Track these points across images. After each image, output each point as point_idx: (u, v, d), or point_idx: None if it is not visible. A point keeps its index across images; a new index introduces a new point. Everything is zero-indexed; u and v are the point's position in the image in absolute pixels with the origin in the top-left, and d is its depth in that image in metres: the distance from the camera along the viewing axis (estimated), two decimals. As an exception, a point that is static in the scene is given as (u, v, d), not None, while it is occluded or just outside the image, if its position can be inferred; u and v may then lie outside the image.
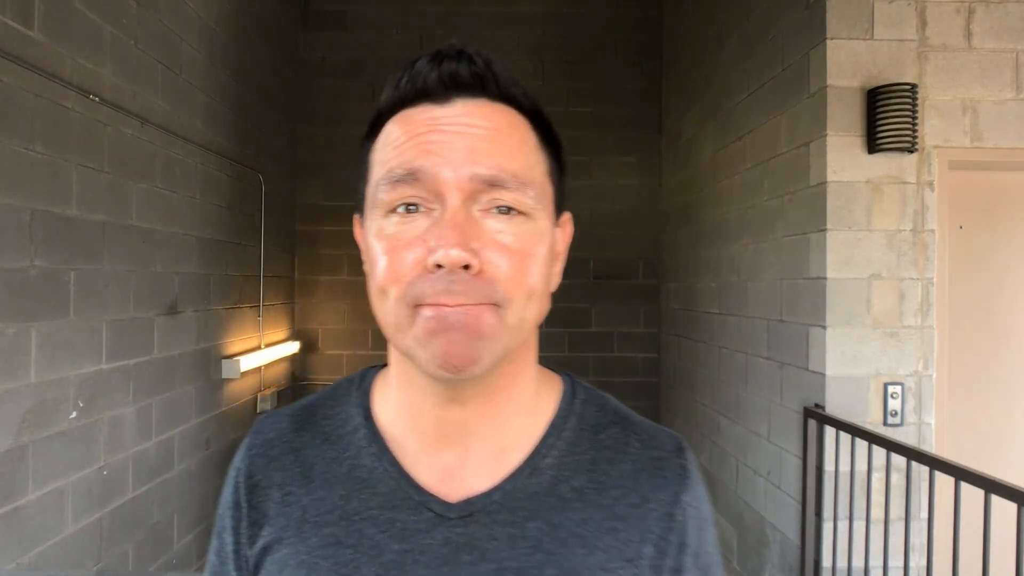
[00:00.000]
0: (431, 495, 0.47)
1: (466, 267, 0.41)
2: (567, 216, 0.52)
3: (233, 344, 3.24)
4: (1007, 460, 2.31)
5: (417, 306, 0.42)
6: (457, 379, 0.44)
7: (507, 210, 0.44)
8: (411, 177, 0.43)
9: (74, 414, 2.03)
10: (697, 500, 0.50)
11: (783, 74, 2.55)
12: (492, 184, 0.43)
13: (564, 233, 0.52)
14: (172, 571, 2.62)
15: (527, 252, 0.44)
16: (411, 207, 0.43)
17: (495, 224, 0.43)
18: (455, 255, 0.40)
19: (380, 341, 4.28)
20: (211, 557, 0.54)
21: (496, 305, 0.42)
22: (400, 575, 0.45)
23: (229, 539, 0.52)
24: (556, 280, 0.50)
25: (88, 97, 2.06)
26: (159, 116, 2.52)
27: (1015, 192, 2.39)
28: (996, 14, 2.27)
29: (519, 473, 0.48)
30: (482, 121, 0.45)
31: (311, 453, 0.51)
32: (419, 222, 0.43)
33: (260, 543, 0.49)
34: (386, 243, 0.44)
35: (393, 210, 0.44)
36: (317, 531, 0.47)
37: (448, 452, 0.48)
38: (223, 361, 3.09)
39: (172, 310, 2.62)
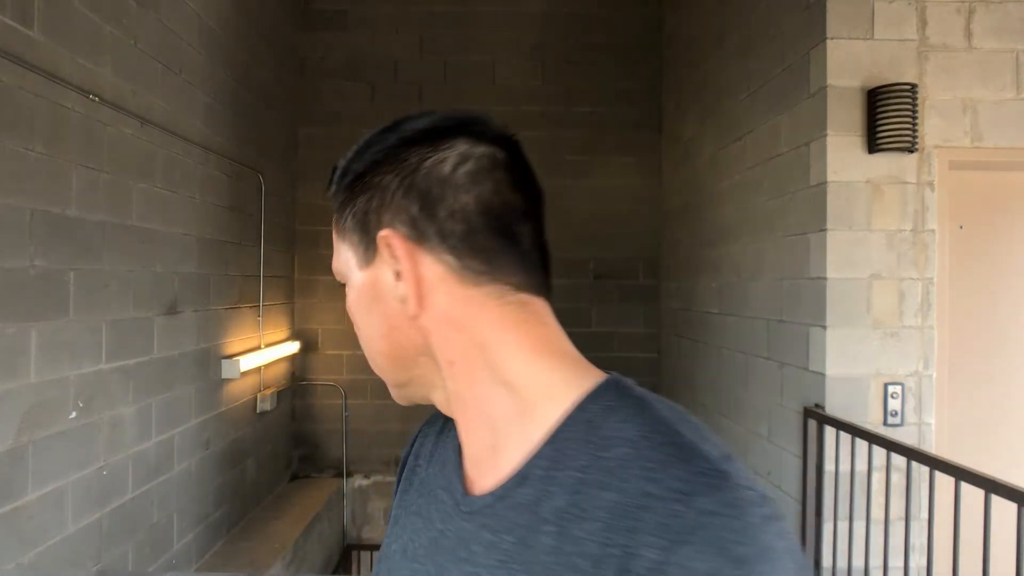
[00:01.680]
0: (459, 484, 0.50)
1: None
2: (384, 232, 0.48)
3: (233, 344, 3.24)
4: (1007, 460, 2.31)
5: None
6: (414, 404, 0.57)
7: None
8: None
9: (74, 414, 2.03)
10: (687, 569, 0.36)
11: (783, 74, 2.55)
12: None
13: (391, 251, 0.48)
14: (172, 571, 2.62)
15: (350, 312, 0.54)
16: None
17: None
18: None
19: (380, 341, 4.29)
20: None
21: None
22: (434, 552, 0.49)
23: (398, 475, 0.63)
24: (409, 303, 0.48)
25: (88, 97, 2.06)
26: (159, 116, 2.52)
27: (1015, 192, 2.39)
28: (996, 14, 2.27)
29: (510, 480, 0.46)
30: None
31: (442, 435, 0.58)
32: None
33: (396, 496, 0.60)
34: None
35: None
36: (416, 499, 0.55)
37: (471, 447, 0.51)
38: (223, 361, 3.09)
39: (172, 310, 2.62)
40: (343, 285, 0.54)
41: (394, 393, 0.55)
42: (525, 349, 0.49)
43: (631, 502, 0.39)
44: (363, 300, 0.51)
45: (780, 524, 0.38)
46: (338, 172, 0.52)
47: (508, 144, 0.51)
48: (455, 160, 0.48)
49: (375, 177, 0.49)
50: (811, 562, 2.29)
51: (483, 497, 0.47)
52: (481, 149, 0.49)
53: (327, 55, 4.36)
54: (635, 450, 0.41)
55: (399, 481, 0.61)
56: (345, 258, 0.52)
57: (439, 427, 0.59)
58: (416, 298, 0.48)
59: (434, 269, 0.48)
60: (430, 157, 0.48)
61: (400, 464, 0.63)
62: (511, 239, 0.49)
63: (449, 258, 0.47)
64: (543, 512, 0.42)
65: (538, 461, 0.45)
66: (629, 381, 0.48)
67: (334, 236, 0.54)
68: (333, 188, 0.53)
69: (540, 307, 0.52)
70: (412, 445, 0.62)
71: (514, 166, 0.50)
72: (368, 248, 0.50)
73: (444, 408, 0.53)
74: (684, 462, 0.40)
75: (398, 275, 0.48)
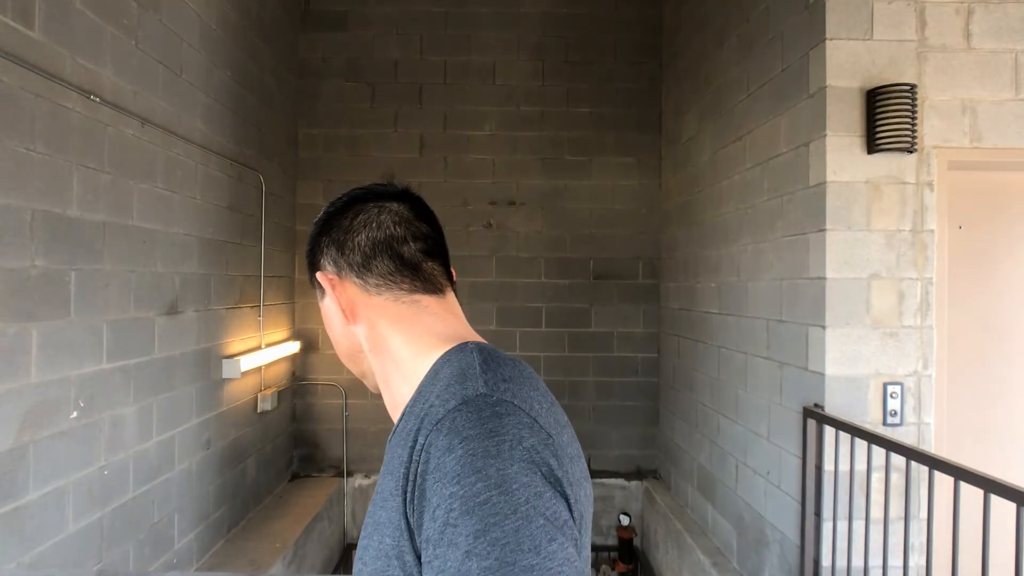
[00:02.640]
0: (393, 431, 0.71)
1: None
2: (318, 275, 0.74)
3: (233, 344, 3.24)
4: (1007, 460, 2.31)
5: None
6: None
7: None
8: None
9: (75, 414, 2.04)
10: (429, 447, 0.54)
11: (783, 74, 2.55)
12: None
13: (325, 285, 0.74)
14: (173, 571, 2.62)
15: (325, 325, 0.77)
16: None
17: None
18: None
19: (380, 341, 4.29)
20: None
21: None
22: (381, 475, 0.68)
23: None
24: (341, 316, 0.73)
25: (89, 97, 2.07)
26: (160, 116, 2.53)
27: (1015, 192, 2.40)
28: (995, 14, 2.28)
29: (398, 419, 0.67)
30: None
31: None
32: None
33: None
34: None
35: None
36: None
37: (389, 407, 0.74)
38: (223, 361, 3.09)
39: (173, 310, 2.63)
40: None
41: (365, 384, 0.77)
42: (411, 334, 0.70)
43: (418, 414, 0.60)
44: (326, 320, 0.75)
45: (521, 418, 0.55)
46: (306, 251, 0.78)
47: (402, 197, 0.75)
48: (351, 216, 0.73)
49: (318, 241, 0.75)
50: (811, 561, 2.30)
51: (390, 433, 0.68)
52: (371, 204, 0.73)
53: (327, 55, 4.36)
54: (443, 382, 0.61)
55: None
56: (317, 297, 0.77)
57: None
58: (345, 312, 0.72)
59: (351, 290, 0.72)
60: (340, 219, 0.74)
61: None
62: (397, 258, 0.71)
63: (357, 280, 0.72)
64: (404, 432, 0.62)
65: (408, 404, 0.65)
66: (472, 343, 0.67)
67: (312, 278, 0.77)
68: (306, 259, 0.78)
69: (431, 302, 0.72)
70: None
71: (400, 209, 0.73)
72: (319, 287, 0.74)
73: (379, 384, 0.74)
74: (458, 383, 0.59)
75: (332, 299, 0.72)
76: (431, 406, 0.59)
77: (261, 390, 3.62)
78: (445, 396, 0.58)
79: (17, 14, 1.78)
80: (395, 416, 0.70)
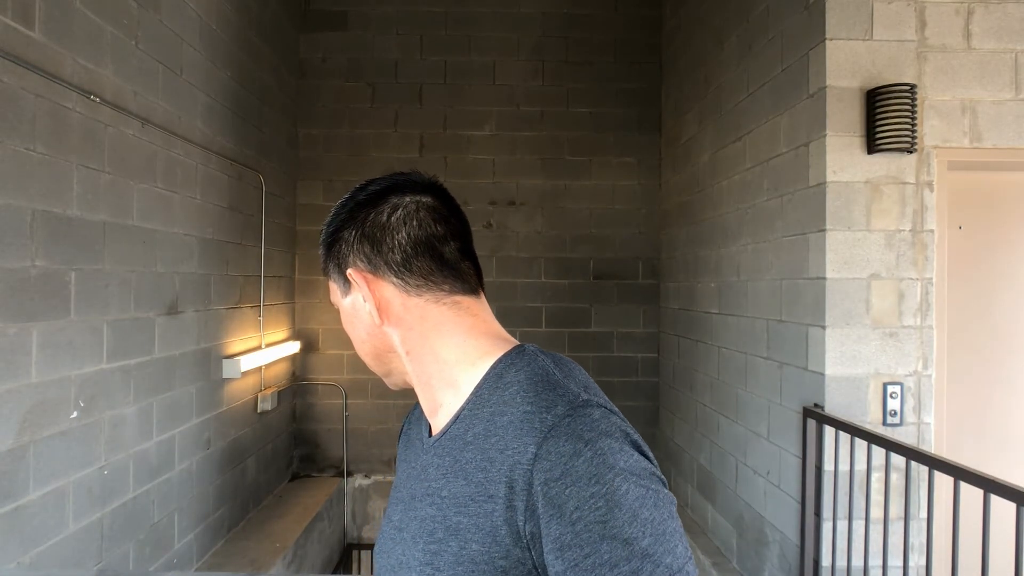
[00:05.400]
0: (425, 434, 0.72)
1: None
2: (349, 272, 0.70)
3: (234, 344, 3.24)
4: (1007, 460, 2.31)
5: None
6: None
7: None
8: None
9: (75, 414, 2.04)
10: (552, 454, 0.55)
11: (783, 74, 2.55)
12: None
13: (356, 280, 0.69)
14: (173, 571, 2.62)
15: (345, 325, 0.74)
16: None
17: None
18: None
19: (380, 341, 4.29)
20: None
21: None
22: (407, 482, 0.71)
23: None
24: (373, 315, 0.69)
25: (89, 98, 2.07)
26: (160, 116, 2.53)
27: (1015, 192, 2.40)
28: (995, 15, 2.28)
29: (451, 422, 0.66)
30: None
31: (419, 414, 0.78)
32: None
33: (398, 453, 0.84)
34: None
35: None
36: (404, 451, 0.79)
37: (426, 409, 0.73)
38: (224, 361, 3.09)
39: (173, 310, 2.63)
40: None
41: (386, 382, 0.75)
42: (455, 335, 0.69)
43: (518, 419, 0.59)
44: (349, 318, 0.72)
45: (617, 417, 0.58)
46: (321, 239, 0.72)
47: (432, 189, 0.71)
48: (388, 210, 0.68)
49: (341, 233, 0.70)
50: (811, 561, 2.30)
51: (434, 438, 0.68)
52: (408, 198, 0.69)
53: (327, 55, 4.36)
54: (520, 387, 0.61)
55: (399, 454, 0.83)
56: (333, 291, 0.73)
57: (417, 411, 0.79)
58: (377, 312, 0.68)
59: (387, 289, 0.68)
60: (372, 212, 0.68)
61: (400, 436, 0.84)
62: (438, 258, 0.68)
63: (396, 279, 0.68)
64: (467, 437, 0.62)
65: (465, 406, 0.65)
66: (530, 346, 0.68)
67: (327, 279, 0.74)
68: (320, 250, 0.73)
69: (470, 303, 0.70)
70: (402, 429, 0.84)
71: (436, 205, 0.69)
72: (345, 283, 0.71)
73: (414, 386, 0.72)
74: (550, 390, 0.60)
75: (364, 298, 0.68)
76: (528, 413, 0.58)
77: (261, 390, 3.62)
78: (543, 403, 0.58)
79: (17, 14, 1.78)
80: (437, 417, 0.69)
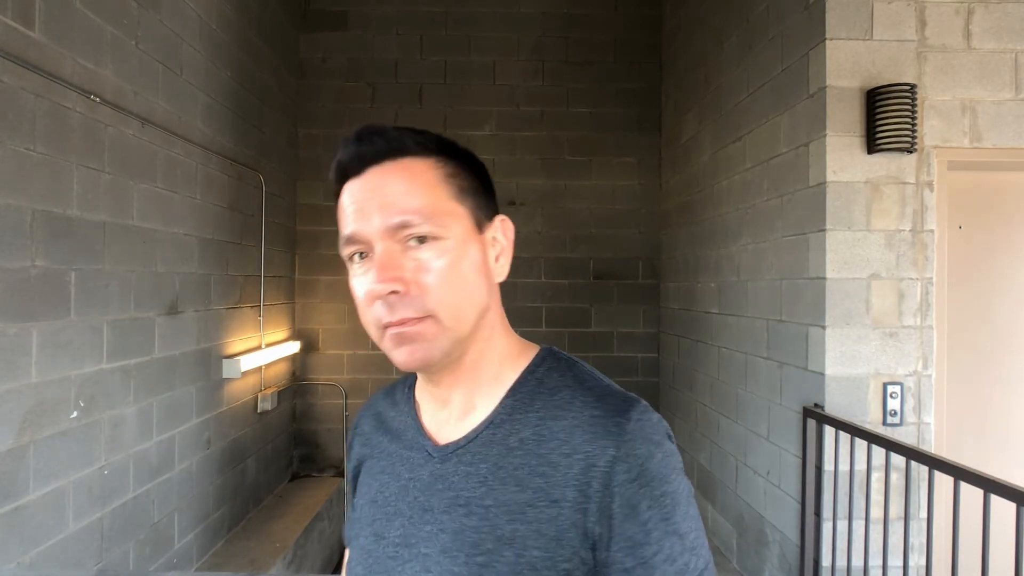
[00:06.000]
0: (428, 440, 0.65)
1: (395, 292, 0.57)
2: (500, 218, 0.67)
3: (234, 344, 3.24)
4: (1007, 460, 2.31)
5: (383, 327, 0.59)
6: (425, 370, 0.63)
7: (423, 239, 0.58)
8: (351, 239, 0.60)
9: (75, 414, 2.04)
10: (631, 455, 0.56)
11: (783, 74, 2.55)
12: (402, 226, 0.58)
13: (504, 231, 0.67)
14: (173, 571, 2.62)
15: (445, 267, 0.58)
16: (362, 255, 0.60)
17: (417, 254, 0.58)
18: (380, 287, 0.57)
19: (380, 341, 4.29)
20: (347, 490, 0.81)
21: (430, 316, 0.58)
22: (404, 495, 0.64)
23: (347, 468, 0.79)
24: (502, 271, 0.66)
25: (89, 97, 2.07)
26: (160, 116, 2.53)
27: (1015, 192, 2.40)
28: (995, 14, 2.28)
29: (481, 426, 0.62)
30: (385, 181, 0.60)
31: (385, 413, 0.73)
32: (367, 264, 0.60)
33: (352, 471, 0.76)
34: (355, 284, 0.61)
35: (352, 259, 0.61)
36: (377, 463, 0.70)
37: (440, 411, 0.67)
38: (224, 361, 3.09)
39: (173, 310, 2.63)
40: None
41: (435, 349, 0.59)
42: (506, 325, 0.67)
43: (585, 423, 0.58)
44: (474, 258, 0.61)
45: (663, 420, 0.60)
46: (434, 136, 0.63)
47: None
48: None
49: (469, 168, 0.64)
50: (811, 561, 2.30)
51: (454, 443, 0.63)
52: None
53: (327, 55, 4.36)
54: (572, 392, 0.61)
55: (349, 461, 0.77)
56: (450, 210, 0.60)
57: (376, 409, 0.75)
58: (506, 266, 0.66)
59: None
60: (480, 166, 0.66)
61: (348, 448, 0.79)
62: None
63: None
64: (511, 443, 0.60)
65: (502, 409, 0.62)
66: (559, 350, 0.67)
67: (433, 178, 0.61)
68: (431, 139, 0.62)
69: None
70: (354, 429, 0.78)
71: None
72: (483, 220, 0.64)
73: (452, 378, 0.64)
74: (609, 395, 0.60)
75: (501, 251, 0.66)
76: (597, 418, 0.57)
77: (261, 390, 3.62)
78: (610, 407, 0.58)
79: (17, 14, 1.78)
80: (462, 421, 0.64)
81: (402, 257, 0.58)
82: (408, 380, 0.75)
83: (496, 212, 0.67)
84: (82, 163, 2.06)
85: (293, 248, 4.24)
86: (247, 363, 3.21)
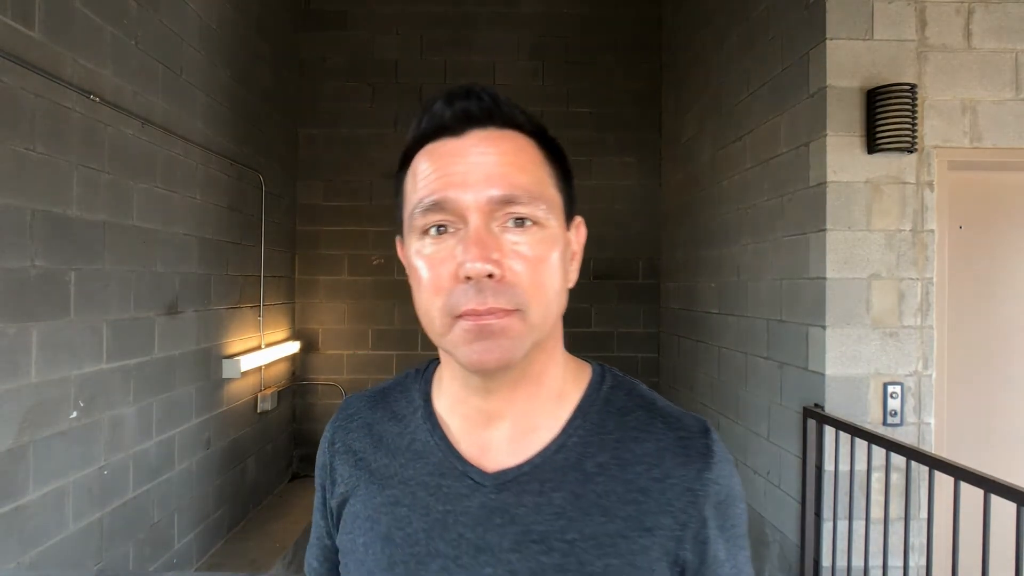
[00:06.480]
0: (471, 466, 0.55)
1: (490, 276, 0.48)
2: (579, 219, 0.60)
3: (233, 344, 3.24)
4: (1007, 460, 2.31)
5: (456, 316, 0.50)
6: (490, 374, 0.53)
7: (521, 222, 0.51)
8: (438, 206, 0.50)
9: (74, 414, 2.04)
10: (721, 477, 0.54)
11: (783, 74, 2.55)
12: (507, 201, 0.50)
13: (578, 234, 0.60)
14: (172, 571, 2.62)
15: (541, 258, 0.51)
16: (441, 228, 0.51)
17: (512, 237, 0.50)
18: (479, 267, 0.48)
19: (380, 341, 4.29)
20: (314, 508, 0.68)
21: (519, 310, 0.50)
22: (443, 532, 0.54)
23: (319, 494, 0.66)
24: (573, 277, 0.58)
25: (89, 97, 2.07)
26: (160, 116, 2.52)
27: (1015, 192, 2.40)
28: (996, 14, 2.27)
29: (547, 449, 0.55)
30: (493, 148, 0.52)
31: (380, 428, 0.62)
32: (449, 242, 0.51)
33: (338, 497, 0.62)
34: (425, 261, 0.51)
35: (427, 232, 0.52)
36: (381, 492, 0.58)
37: (486, 431, 0.57)
38: (223, 361, 3.09)
39: (172, 310, 2.63)
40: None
41: (517, 350, 0.51)
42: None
43: (672, 445, 0.54)
44: (564, 256, 0.55)
45: None
46: (541, 126, 0.57)
47: None
48: None
49: (563, 159, 0.58)
50: (811, 561, 2.30)
51: (513, 469, 0.54)
52: None
53: (327, 55, 4.36)
54: (647, 412, 0.57)
55: (323, 486, 0.65)
56: (552, 197, 0.54)
57: (363, 421, 0.63)
58: (576, 274, 0.59)
59: None
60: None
61: (320, 468, 0.66)
62: None
63: None
64: (588, 468, 0.54)
65: (572, 431, 0.56)
66: (605, 365, 0.62)
67: (539, 158, 0.55)
68: (531, 117, 0.56)
69: None
70: (329, 446, 0.65)
71: None
72: (568, 217, 0.57)
73: (511, 381, 0.55)
74: (683, 415, 0.57)
75: (575, 251, 0.59)
76: (683, 439, 0.54)
77: (261, 390, 3.62)
78: (692, 428, 0.56)
79: (17, 14, 1.78)
80: (519, 444, 0.56)
81: (497, 240, 0.50)
82: (408, 389, 0.64)
83: (575, 212, 0.59)
84: (82, 163, 2.06)
85: (293, 248, 4.24)
86: (247, 363, 3.21)
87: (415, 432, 0.59)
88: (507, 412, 0.56)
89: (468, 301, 0.49)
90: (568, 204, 0.57)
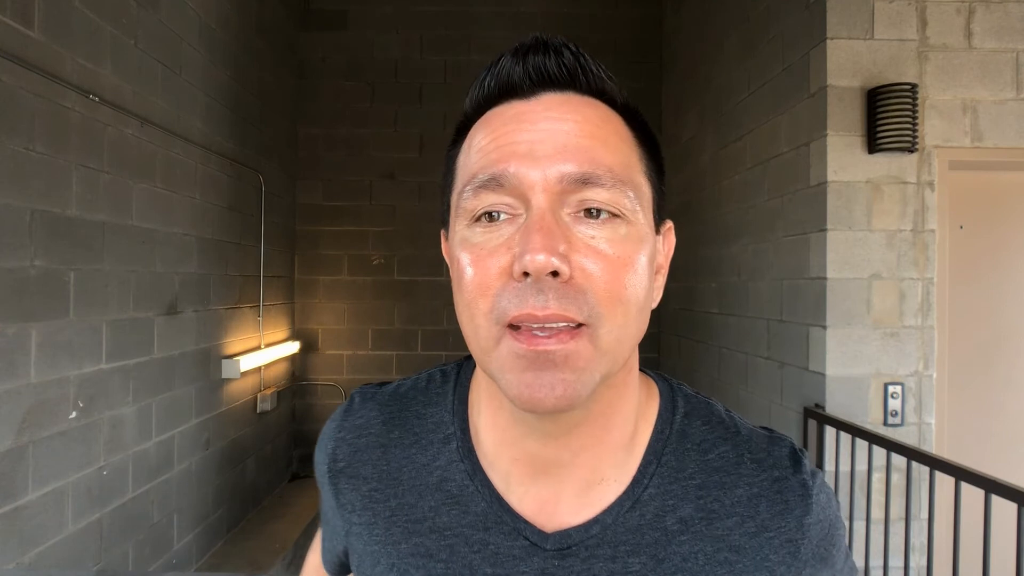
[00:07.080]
0: (526, 522, 0.45)
1: (554, 274, 0.37)
2: (669, 224, 0.47)
3: (233, 344, 3.24)
4: (1007, 460, 2.31)
5: (506, 325, 0.38)
6: (557, 416, 0.42)
7: (598, 213, 0.39)
8: (495, 182, 0.39)
9: (74, 414, 2.03)
10: (822, 514, 0.46)
11: (783, 74, 2.55)
12: (584, 182, 0.39)
13: (667, 242, 0.48)
14: (172, 571, 2.62)
15: (624, 260, 0.39)
16: (495, 215, 0.40)
17: (587, 229, 0.39)
18: (541, 260, 0.36)
19: (380, 341, 4.28)
20: (321, 504, 0.56)
21: (587, 325, 0.38)
22: None
23: (328, 501, 0.53)
24: (658, 295, 0.46)
25: (88, 97, 2.06)
26: (159, 116, 2.52)
27: (1015, 192, 2.39)
28: (996, 14, 2.27)
29: (618, 505, 0.45)
30: (571, 115, 0.41)
31: (400, 453, 0.50)
32: (504, 230, 0.40)
33: (349, 526, 0.50)
34: (471, 253, 0.40)
35: (477, 218, 0.41)
36: (407, 538, 0.47)
37: (543, 481, 0.46)
38: (223, 361, 3.09)
39: (172, 310, 2.62)
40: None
41: (585, 385, 0.39)
42: None
43: (767, 490, 0.45)
44: (649, 260, 0.42)
45: None
46: (651, 136, 0.46)
47: None
48: None
49: (657, 148, 0.46)
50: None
51: (579, 529, 0.44)
52: None
53: (327, 55, 4.35)
54: (734, 448, 0.46)
55: (330, 499, 0.53)
56: (641, 186, 0.42)
57: (376, 441, 0.51)
58: (660, 292, 0.47)
59: None
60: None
61: (323, 476, 0.53)
62: None
63: None
64: (669, 525, 0.44)
65: (645, 481, 0.45)
66: (671, 379, 0.51)
67: (629, 139, 0.44)
68: (624, 97, 0.45)
69: None
70: (332, 462, 0.52)
71: None
72: (655, 221, 0.45)
73: (578, 422, 0.44)
74: (770, 443, 0.47)
75: (663, 261, 0.47)
76: (778, 480, 0.45)
77: (261, 390, 3.61)
78: (783, 461, 0.46)
79: (17, 14, 1.78)
80: (555, 503, 0.46)
81: (567, 229, 0.39)
82: (435, 404, 0.51)
83: (664, 216, 0.47)
84: (81, 163, 2.05)
85: (292, 248, 4.24)
86: (246, 363, 3.20)
87: (447, 469, 0.48)
88: (567, 460, 0.45)
89: (523, 304, 0.37)
90: (658, 201, 0.45)
